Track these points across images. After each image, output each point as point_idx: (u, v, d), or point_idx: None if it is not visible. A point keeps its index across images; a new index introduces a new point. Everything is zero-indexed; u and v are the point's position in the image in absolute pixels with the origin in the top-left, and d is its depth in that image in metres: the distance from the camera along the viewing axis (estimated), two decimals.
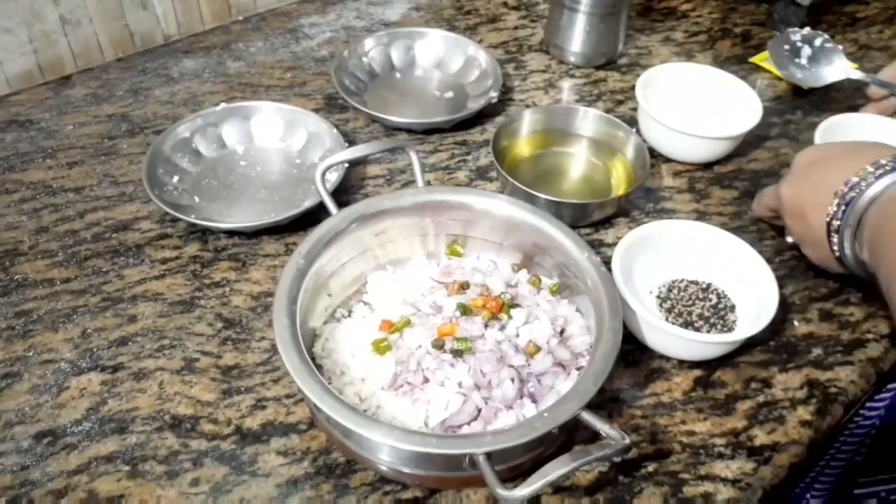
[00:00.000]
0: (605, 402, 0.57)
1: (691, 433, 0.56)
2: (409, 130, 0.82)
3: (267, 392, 0.58)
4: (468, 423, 0.52)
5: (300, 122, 0.78)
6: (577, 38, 0.89)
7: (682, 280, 0.66)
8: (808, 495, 0.82)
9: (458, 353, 0.54)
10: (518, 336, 0.56)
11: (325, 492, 0.52)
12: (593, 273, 0.56)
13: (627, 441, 0.46)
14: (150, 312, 0.63)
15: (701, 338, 0.58)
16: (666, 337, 0.58)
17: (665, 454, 0.55)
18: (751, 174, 0.79)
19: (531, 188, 0.68)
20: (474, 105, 0.83)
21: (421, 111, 0.85)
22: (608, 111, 0.83)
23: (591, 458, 0.45)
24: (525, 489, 0.43)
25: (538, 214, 0.61)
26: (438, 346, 0.55)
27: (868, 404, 0.74)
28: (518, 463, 0.51)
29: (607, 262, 0.59)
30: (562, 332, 0.58)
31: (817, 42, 0.88)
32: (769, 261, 0.62)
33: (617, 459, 0.51)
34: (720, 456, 0.55)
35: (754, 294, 0.62)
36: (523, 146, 0.79)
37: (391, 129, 0.82)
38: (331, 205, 0.61)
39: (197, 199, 0.72)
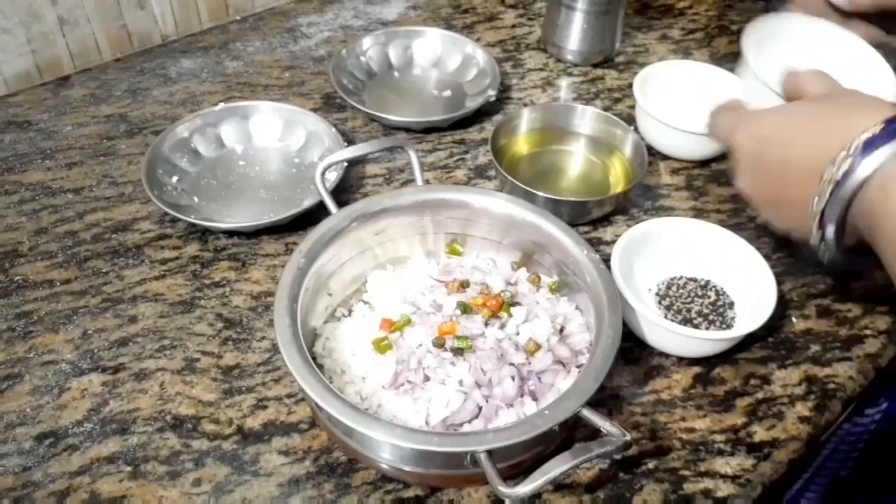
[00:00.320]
0: (605, 399, 0.58)
1: (691, 430, 0.56)
2: (407, 129, 0.82)
3: (268, 392, 0.58)
4: (469, 422, 0.52)
5: (299, 121, 0.78)
6: (574, 36, 0.90)
7: (681, 277, 0.66)
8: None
9: (458, 352, 0.54)
10: (518, 334, 0.56)
11: (327, 491, 0.52)
12: (592, 271, 0.56)
13: (628, 438, 0.46)
14: (151, 313, 0.63)
15: (700, 335, 0.59)
16: (665, 334, 0.59)
17: (665, 451, 0.55)
18: None
19: (530, 186, 0.68)
20: (472, 104, 0.83)
21: (419, 110, 0.85)
22: (606, 109, 0.84)
23: (592, 455, 0.45)
24: (526, 486, 0.44)
25: (537, 212, 0.61)
26: (439, 344, 0.55)
27: (854, 418, 0.74)
28: (519, 460, 0.51)
29: (606, 260, 0.59)
30: (561, 329, 0.58)
31: None
32: (767, 257, 0.63)
33: (617, 456, 0.51)
34: (720, 452, 0.55)
35: (753, 291, 0.62)
36: (522, 144, 0.79)
37: (390, 128, 0.82)
38: (331, 204, 0.61)
39: (196, 199, 0.72)
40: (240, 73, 0.89)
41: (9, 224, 0.70)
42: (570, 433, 0.55)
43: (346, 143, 0.76)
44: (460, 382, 0.53)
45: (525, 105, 0.86)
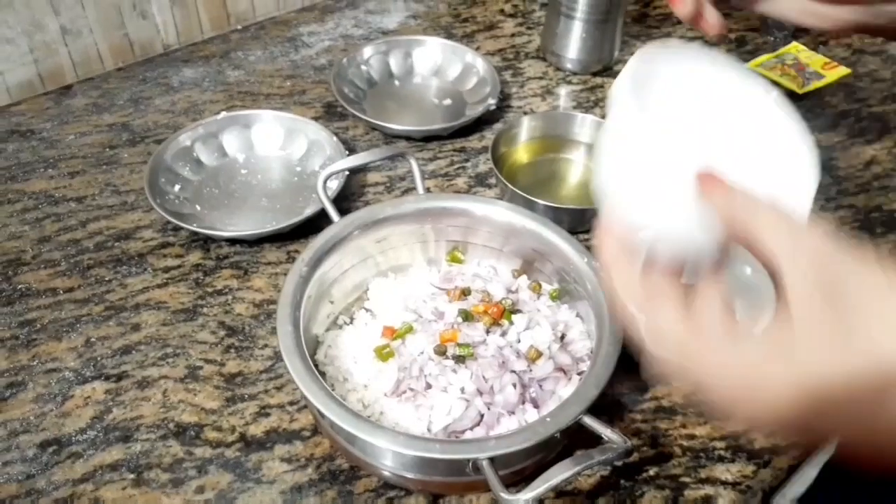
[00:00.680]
0: (607, 406, 0.58)
1: (692, 437, 0.57)
2: (408, 138, 0.82)
3: (270, 399, 0.58)
4: (471, 429, 0.52)
5: (300, 130, 0.79)
6: (573, 44, 0.90)
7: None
8: None
9: (460, 359, 0.55)
10: (519, 341, 0.57)
11: (330, 498, 0.52)
12: (593, 278, 0.57)
13: (629, 445, 0.47)
14: (153, 321, 0.63)
15: None
16: None
17: (666, 458, 0.55)
18: None
19: (530, 194, 0.69)
20: (472, 112, 0.83)
21: (420, 118, 0.86)
22: (605, 117, 0.84)
23: (594, 461, 0.46)
24: (528, 493, 0.44)
25: (537, 220, 0.61)
26: (440, 352, 0.55)
27: None
28: (521, 467, 0.51)
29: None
30: (562, 337, 0.58)
31: None
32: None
33: (618, 463, 0.51)
34: (720, 459, 0.55)
35: (753, 298, 0.63)
36: (522, 152, 0.79)
37: (390, 137, 0.83)
38: (333, 212, 0.61)
39: (198, 207, 0.73)
40: (241, 81, 0.89)
41: (12, 233, 0.70)
42: (572, 440, 0.55)
43: (347, 152, 0.76)
44: (462, 390, 0.53)
45: (525, 113, 0.86)
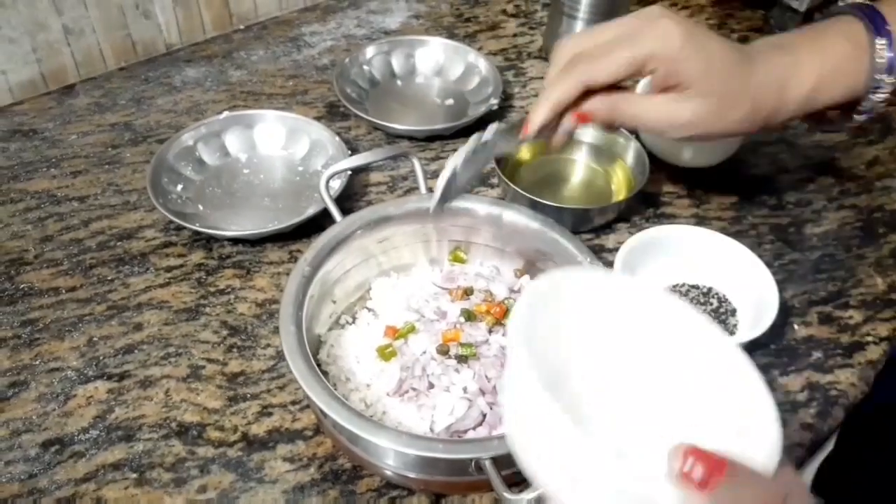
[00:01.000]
0: None
1: None
2: (410, 138, 0.82)
3: (273, 399, 0.58)
4: (473, 428, 0.52)
5: (303, 129, 0.79)
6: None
7: (683, 284, 0.66)
8: None
9: (462, 359, 0.55)
10: None
11: (332, 498, 0.52)
12: None
13: None
14: (156, 320, 0.63)
15: None
16: None
17: None
18: (749, 179, 0.79)
19: (532, 194, 0.69)
20: (475, 112, 0.83)
21: (422, 118, 0.86)
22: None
23: None
24: (531, 493, 0.44)
25: (540, 220, 0.61)
26: (443, 351, 0.55)
27: None
28: None
29: (609, 267, 0.59)
30: None
31: None
32: (769, 265, 0.63)
33: None
34: None
35: (755, 298, 0.63)
36: (524, 152, 0.79)
37: (393, 137, 0.83)
38: (335, 212, 0.61)
39: (201, 207, 0.73)
40: (243, 81, 0.89)
41: (14, 232, 0.70)
42: None
43: (349, 152, 0.76)
44: (464, 389, 0.53)
45: (527, 113, 0.86)
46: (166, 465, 0.54)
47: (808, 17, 0.99)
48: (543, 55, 0.95)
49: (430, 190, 0.67)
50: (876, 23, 0.55)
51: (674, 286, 0.66)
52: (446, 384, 0.54)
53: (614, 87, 0.54)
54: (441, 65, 0.91)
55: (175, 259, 0.69)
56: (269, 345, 0.62)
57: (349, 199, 0.74)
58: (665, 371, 0.37)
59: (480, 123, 0.83)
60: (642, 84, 0.76)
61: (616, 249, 0.64)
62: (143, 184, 0.73)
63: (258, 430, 0.56)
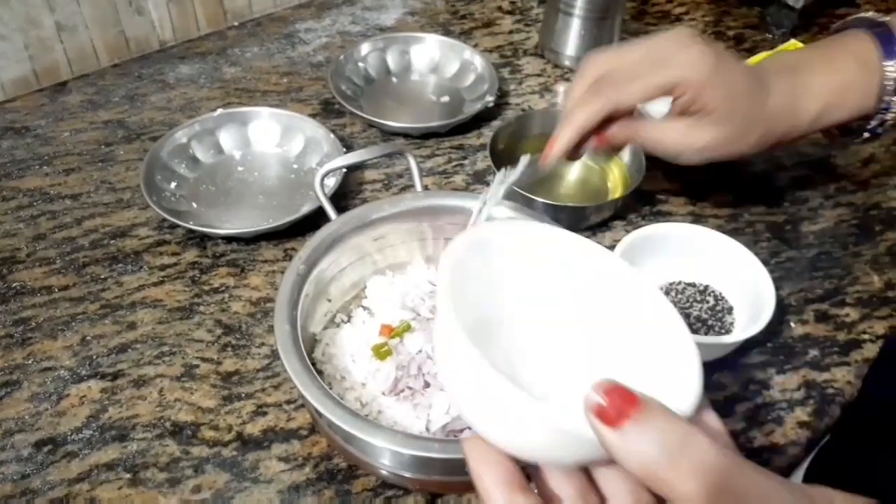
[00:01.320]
0: None
1: None
2: (405, 135, 0.82)
3: (267, 398, 0.58)
4: (469, 428, 0.52)
5: (297, 127, 0.78)
6: (571, 41, 0.90)
7: (680, 282, 0.66)
8: None
9: None
10: None
11: (327, 498, 0.52)
12: None
13: None
14: (150, 319, 0.63)
15: (699, 340, 0.59)
16: None
17: None
18: (746, 176, 0.79)
19: (528, 192, 0.69)
20: (470, 109, 0.83)
21: (417, 115, 0.85)
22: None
23: None
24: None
25: (535, 218, 0.61)
26: None
27: None
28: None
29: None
30: None
31: None
32: (765, 262, 0.63)
33: None
34: None
35: (751, 296, 0.63)
36: (520, 150, 0.79)
37: (388, 134, 0.82)
38: (330, 210, 0.61)
39: (195, 205, 0.72)
40: (238, 78, 0.89)
41: (6, 230, 0.70)
42: None
43: (344, 149, 0.76)
44: None
45: (523, 111, 0.86)
46: (160, 464, 0.53)
47: (803, 15, 0.99)
48: (539, 52, 0.95)
49: (426, 187, 0.67)
50: (886, 45, 0.56)
51: (670, 284, 0.66)
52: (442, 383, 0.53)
53: None
54: (436, 62, 0.91)
55: (169, 257, 0.68)
56: (263, 343, 0.62)
57: (344, 197, 0.74)
58: (594, 320, 0.37)
59: (476, 121, 0.83)
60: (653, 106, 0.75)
61: (612, 247, 0.64)
62: (136, 181, 0.73)
63: (253, 429, 0.56)
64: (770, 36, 1.00)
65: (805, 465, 0.67)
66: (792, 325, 0.65)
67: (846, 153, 0.83)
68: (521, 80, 0.91)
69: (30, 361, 0.60)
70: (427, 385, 0.54)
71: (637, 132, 0.56)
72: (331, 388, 0.54)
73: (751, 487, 0.26)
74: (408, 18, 1.00)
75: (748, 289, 0.63)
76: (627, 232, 0.65)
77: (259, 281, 0.66)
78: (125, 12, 0.87)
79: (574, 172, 0.79)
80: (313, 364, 0.51)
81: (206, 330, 0.62)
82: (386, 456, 0.50)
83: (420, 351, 0.56)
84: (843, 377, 0.61)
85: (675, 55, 0.54)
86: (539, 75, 0.92)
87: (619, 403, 0.26)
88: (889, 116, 0.58)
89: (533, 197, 0.68)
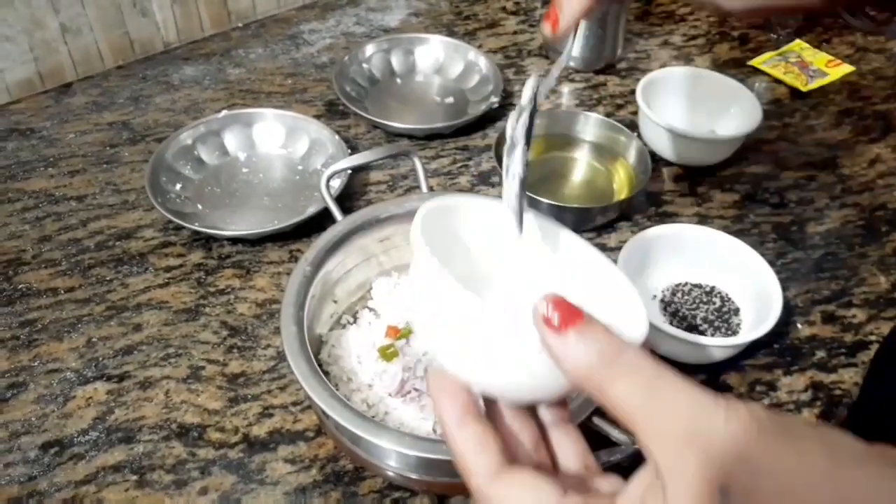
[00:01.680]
0: None
1: None
2: (410, 136, 0.82)
3: (274, 400, 0.58)
4: None
5: (302, 128, 0.78)
6: (576, 42, 0.90)
7: (686, 283, 0.66)
8: None
9: None
10: None
11: (334, 499, 0.52)
12: None
13: (637, 445, 0.46)
14: (155, 321, 0.63)
15: (705, 341, 0.58)
16: (670, 341, 0.59)
17: None
18: (751, 177, 0.79)
19: (534, 193, 0.68)
20: (475, 110, 0.83)
21: (422, 117, 0.85)
22: (608, 115, 0.84)
23: (601, 462, 0.45)
24: None
25: (540, 219, 0.61)
26: None
27: None
28: None
29: None
30: None
31: None
32: (772, 263, 0.63)
33: (626, 464, 0.51)
34: None
35: (758, 297, 0.62)
36: None
37: (392, 135, 0.82)
38: (336, 212, 0.61)
39: (200, 206, 0.72)
40: (242, 80, 0.89)
41: (12, 232, 0.70)
42: None
43: (349, 150, 0.76)
44: None
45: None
46: (167, 466, 0.53)
47: (808, 16, 0.99)
48: (544, 53, 0.95)
49: (431, 189, 0.66)
50: None
51: (676, 285, 0.66)
52: None
53: None
54: (441, 63, 0.91)
55: (174, 259, 0.68)
56: (269, 345, 0.61)
57: (349, 199, 0.74)
58: (548, 279, 0.41)
59: (481, 122, 0.83)
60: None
61: (618, 248, 0.64)
62: (141, 183, 0.72)
63: (259, 431, 0.56)
64: (774, 36, 0.99)
65: None
66: (799, 326, 0.65)
67: (851, 153, 0.83)
68: (526, 80, 0.91)
69: (36, 363, 0.60)
70: None
71: None
72: (337, 390, 0.53)
73: (680, 389, 0.27)
74: (412, 19, 1.00)
75: (755, 290, 0.63)
76: (633, 233, 0.65)
77: (265, 282, 0.66)
78: (129, 14, 0.87)
79: (580, 173, 0.78)
80: (319, 365, 0.51)
81: (211, 331, 0.62)
82: (393, 457, 0.50)
83: (426, 352, 0.55)
84: (850, 378, 0.61)
85: None
86: (543, 76, 0.92)
87: (565, 315, 0.28)
88: None
89: (538, 198, 0.68)
